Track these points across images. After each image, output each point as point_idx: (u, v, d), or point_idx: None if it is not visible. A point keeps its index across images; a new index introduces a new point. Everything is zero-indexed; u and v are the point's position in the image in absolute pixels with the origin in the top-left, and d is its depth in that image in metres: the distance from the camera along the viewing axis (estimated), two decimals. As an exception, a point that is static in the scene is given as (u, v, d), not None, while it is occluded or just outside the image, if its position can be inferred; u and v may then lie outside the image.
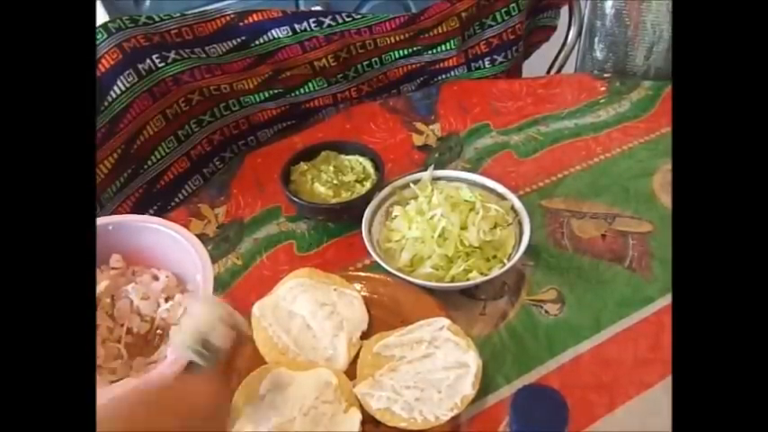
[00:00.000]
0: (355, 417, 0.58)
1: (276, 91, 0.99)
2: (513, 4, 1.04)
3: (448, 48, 1.05)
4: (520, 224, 0.75)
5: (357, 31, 0.96)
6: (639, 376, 0.63)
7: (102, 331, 0.64)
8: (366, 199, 0.79)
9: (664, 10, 1.06)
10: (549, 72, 1.24)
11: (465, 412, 0.59)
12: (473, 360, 0.61)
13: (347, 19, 0.94)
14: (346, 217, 0.80)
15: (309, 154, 0.86)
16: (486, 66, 1.10)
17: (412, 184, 0.81)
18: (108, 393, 0.54)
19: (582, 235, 0.79)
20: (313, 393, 0.59)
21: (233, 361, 0.64)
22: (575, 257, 0.76)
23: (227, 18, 0.89)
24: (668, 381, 0.62)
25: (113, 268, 0.70)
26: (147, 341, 0.65)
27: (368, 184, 0.82)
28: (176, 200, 0.93)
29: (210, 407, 0.46)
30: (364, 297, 0.70)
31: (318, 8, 1.06)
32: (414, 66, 1.07)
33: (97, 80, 0.81)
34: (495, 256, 0.73)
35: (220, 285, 0.74)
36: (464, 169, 0.88)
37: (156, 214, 0.86)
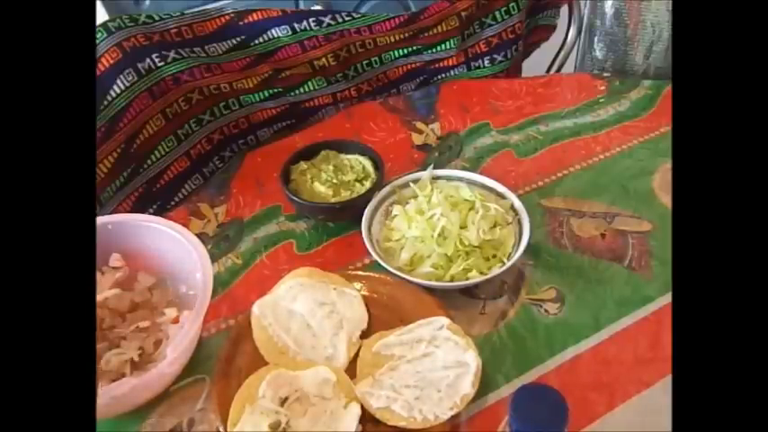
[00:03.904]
0: (355, 411, 0.58)
1: (276, 90, 0.99)
2: (513, 4, 1.04)
3: (447, 47, 1.05)
4: (519, 223, 0.75)
5: (357, 31, 0.96)
6: (639, 375, 0.63)
7: (101, 330, 0.64)
8: (366, 198, 0.79)
9: (663, 9, 1.07)
10: (548, 71, 1.24)
11: (464, 411, 0.59)
12: (473, 359, 0.61)
13: (347, 18, 0.94)
14: (346, 216, 0.80)
15: (309, 153, 0.86)
16: (486, 65, 1.10)
17: (411, 184, 0.81)
18: (108, 393, 0.54)
19: (581, 234, 0.79)
20: (312, 390, 0.59)
21: (233, 360, 0.64)
22: (574, 257, 0.76)
23: (227, 17, 0.89)
24: (668, 380, 0.62)
25: (113, 267, 0.70)
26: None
27: (367, 184, 0.82)
28: (176, 199, 0.93)
29: None
30: (364, 296, 0.70)
31: (318, 7, 1.06)
32: (413, 65, 1.07)
33: (97, 79, 0.81)
34: (494, 256, 0.73)
35: (220, 284, 0.74)
36: (464, 168, 0.88)
37: (155, 213, 0.86)
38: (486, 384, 0.61)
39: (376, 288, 0.71)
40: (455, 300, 0.71)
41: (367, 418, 0.59)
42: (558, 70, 1.24)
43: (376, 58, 1.03)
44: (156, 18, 0.85)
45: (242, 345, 0.66)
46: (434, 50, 1.05)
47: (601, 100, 1.02)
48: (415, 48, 1.04)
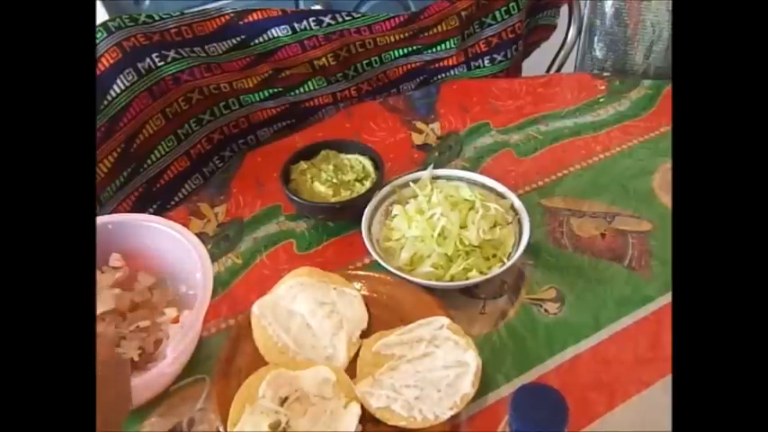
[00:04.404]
0: (355, 411, 0.58)
1: (276, 90, 0.99)
2: (513, 3, 1.04)
3: (447, 47, 1.05)
4: (519, 223, 0.75)
5: (357, 30, 0.96)
6: (639, 375, 0.63)
7: (101, 330, 0.64)
8: (366, 198, 0.79)
9: (663, 9, 1.07)
10: (548, 71, 1.24)
11: (464, 411, 0.59)
12: (473, 359, 0.61)
13: (347, 18, 0.94)
14: (346, 216, 0.80)
15: (309, 153, 0.86)
16: (486, 65, 1.10)
17: (411, 183, 0.81)
18: (108, 392, 0.54)
19: (581, 234, 0.79)
20: (312, 390, 0.59)
21: (233, 360, 0.64)
22: (574, 256, 0.76)
23: (227, 17, 0.89)
24: (668, 380, 0.62)
25: (113, 267, 0.70)
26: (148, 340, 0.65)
27: (367, 183, 0.82)
28: (176, 199, 0.93)
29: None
30: (364, 296, 0.70)
31: (318, 7, 1.06)
32: (413, 65, 1.07)
33: (97, 79, 0.81)
34: (494, 255, 0.73)
35: (220, 284, 0.74)
36: (464, 168, 0.88)
37: (155, 213, 0.86)
38: (486, 384, 0.61)
39: (376, 288, 0.71)
40: (455, 299, 0.71)
41: (367, 418, 0.59)
42: (558, 70, 1.24)
43: (376, 58, 1.03)
44: (156, 18, 0.85)
45: (242, 345, 0.66)
46: (434, 50, 1.05)
47: (601, 100, 1.02)
48: (415, 47, 1.04)
